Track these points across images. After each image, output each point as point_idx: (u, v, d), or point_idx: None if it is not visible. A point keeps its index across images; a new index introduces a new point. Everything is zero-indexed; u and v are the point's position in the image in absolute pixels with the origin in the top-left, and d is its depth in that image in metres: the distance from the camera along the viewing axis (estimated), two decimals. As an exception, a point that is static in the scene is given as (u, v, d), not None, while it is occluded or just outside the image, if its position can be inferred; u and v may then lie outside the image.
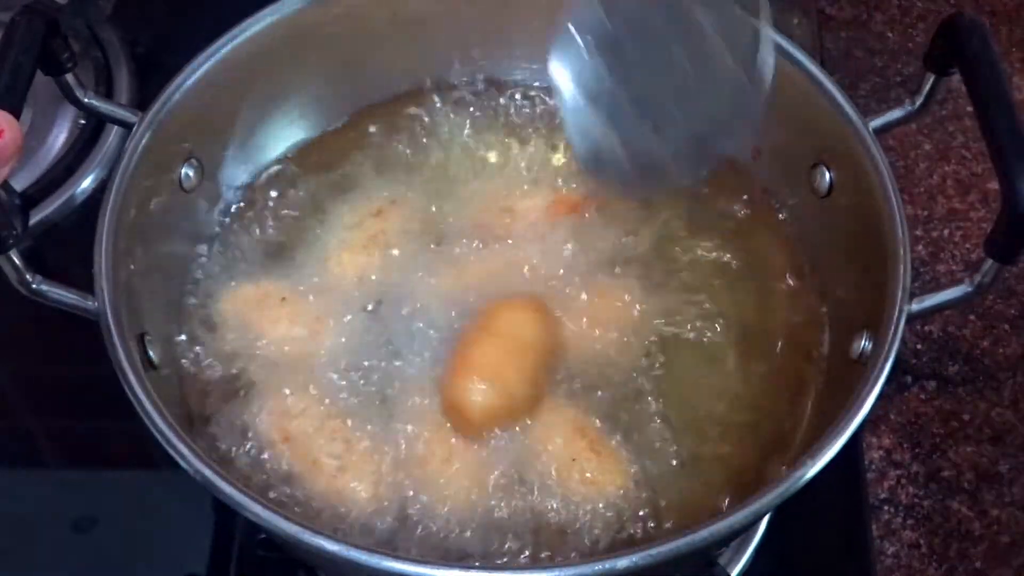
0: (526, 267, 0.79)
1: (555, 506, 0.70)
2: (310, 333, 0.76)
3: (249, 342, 0.76)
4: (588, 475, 0.70)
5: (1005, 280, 0.91)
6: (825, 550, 0.82)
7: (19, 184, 0.91)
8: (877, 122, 0.75)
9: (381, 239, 0.80)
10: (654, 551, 0.59)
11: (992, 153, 0.65)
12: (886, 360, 0.65)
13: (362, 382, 0.75)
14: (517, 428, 0.72)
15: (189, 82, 0.77)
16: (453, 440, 0.72)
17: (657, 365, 0.75)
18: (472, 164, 0.85)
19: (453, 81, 0.88)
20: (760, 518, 0.74)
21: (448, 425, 0.72)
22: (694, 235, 0.81)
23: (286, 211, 0.83)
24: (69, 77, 0.73)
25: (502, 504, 0.70)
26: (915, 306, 0.68)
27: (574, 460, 0.71)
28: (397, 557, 0.60)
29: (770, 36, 0.69)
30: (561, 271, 0.79)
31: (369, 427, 0.73)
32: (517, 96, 0.88)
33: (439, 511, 0.70)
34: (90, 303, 0.68)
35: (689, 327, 0.77)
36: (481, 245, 0.80)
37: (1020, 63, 1.05)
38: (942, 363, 0.88)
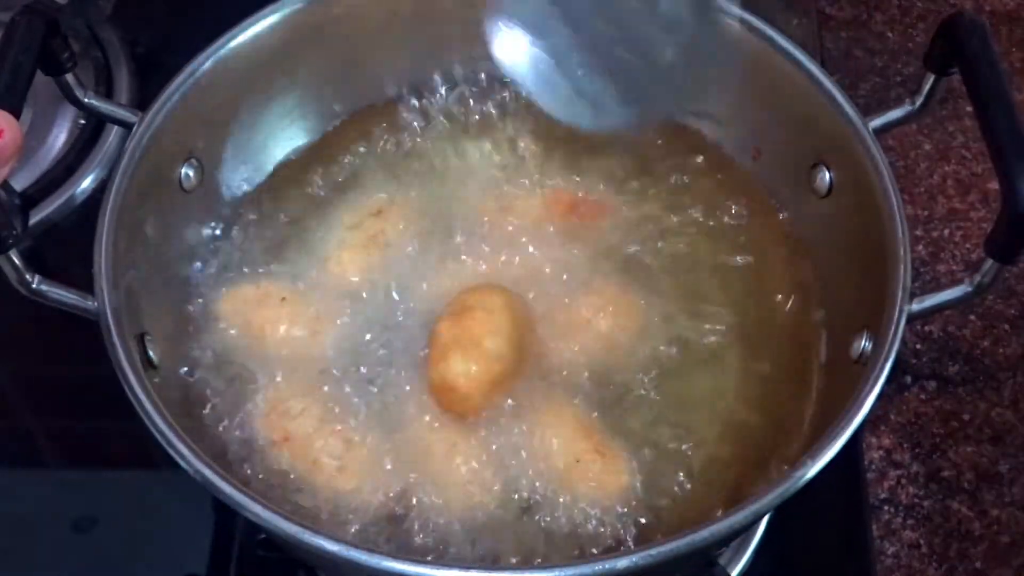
0: (527, 267, 0.79)
1: (557, 506, 0.70)
2: (310, 333, 0.76)
3: (249, 342, 0.76)
4: (591, 476, 0.70)
5: (1005, 280, 0.91)
6: (825, 550, 0.82)
7: (19, 184, 0.91)
8: (877, 122, 0.75)
9: (381, 239, 0.80)
10: (654, 551, 0.59)
11: (992, 153, 0.65)
12: (886, 360, 0.65)
13: (362, 382, 0.75)
14: (520, 428, 0.72)
15: (189, 82, 0.77)
16: (453, 439, 0.72)
17: (658, 365, 0.75)
18: (472, 164, 0.85)
19: (453, 81, 0.88)
20: (760, 518, 0.74)
21: (448, 422, 0.72)
22: (695, 236, 0.82)
23: (286, 211, 0.83)
24: (69, 77, 0.73)
25: (503, 503, 0.70)
26: (915, 306, 0.68)
27: (578, 461, 0.71)
28: (397, 557, 0.60)
29: None
30: (561, 271, 0.79)
31: (369, 427, 0.73)
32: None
33: (440, 511, 0.70)
34: (90, 303, 0.68)
35: (689, 328, 0.77)
36: (481, 245, 0.80)
37: (1020, 63, 1.05)
38: (942, 363, 0.88)
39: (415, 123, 0.87)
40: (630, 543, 0.69)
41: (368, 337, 0.76)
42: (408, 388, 0.74)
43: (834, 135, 0.76)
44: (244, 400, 0.74)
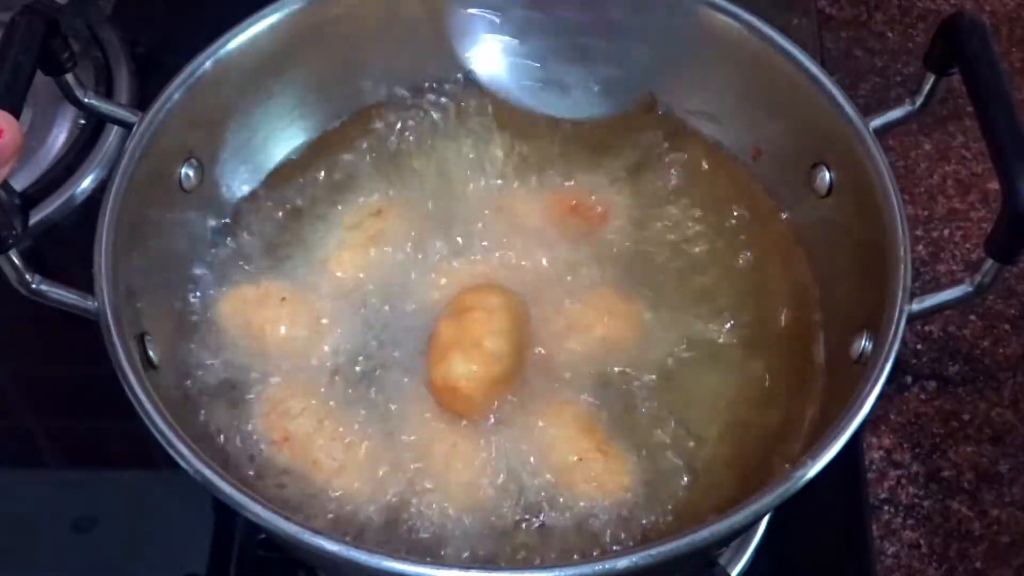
0: (527, 267, 0.79)
1: (559, 506, 0.70)
2: (310, 333, 0.76)
3: (249, 342, 0.76)
4: (593, 475, 0.70)
5: (1005, 280, 0.91)
6: (825, 550, 0.82)
7: (19, 184, 0.91)
8: (877, 122, 0.75)
9: (381, 239, 0.80)
10: (654, 551, 0.59)
11: (992, 153, 0.65)
12: (886, 360, 0.65)
13: (362, 382, 0.75)
14: (521, 428, 0.72)
15: (189, 82, 0.77)
16: (454, 439, 0.72)
17: (658, 365, 0.75)
18: (472, 164, 0.85)
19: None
20: (760, 518, 0.74)
21: (448, 422, 0.72)
22: (695, 236, 0.82)
23: (286, 211, 0.83)
24: (69, 77, 0.73)
25: (504, 503, 0.70)
26: (915, 306, 0.68)
27: (581, 460, 0.71)
28: (397, 557, 0.60)
29: None
30: (562, 271, 0.79)
31: (369, 427, 0.73)
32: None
33: (440, 510, 0.70)
34: (90, 303, 0.68)
35: (690, 328, 0.77)
36: (481, 245, 0.80)
37: (1020, 63, 1.05)
38: (942, 363, 0.88)
39: (415, 123, 0.87)
40: (630, 543, 0.69)
41: (368, 337, 0.76)
42: (408, 388, 0.74)
43: (834, 135, 0.76)
44: (244, 400, 0.74)
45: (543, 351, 0.75)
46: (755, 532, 0.79)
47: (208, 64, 0.78)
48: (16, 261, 0.66)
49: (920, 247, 0.93)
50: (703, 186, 0.84)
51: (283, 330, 0.76)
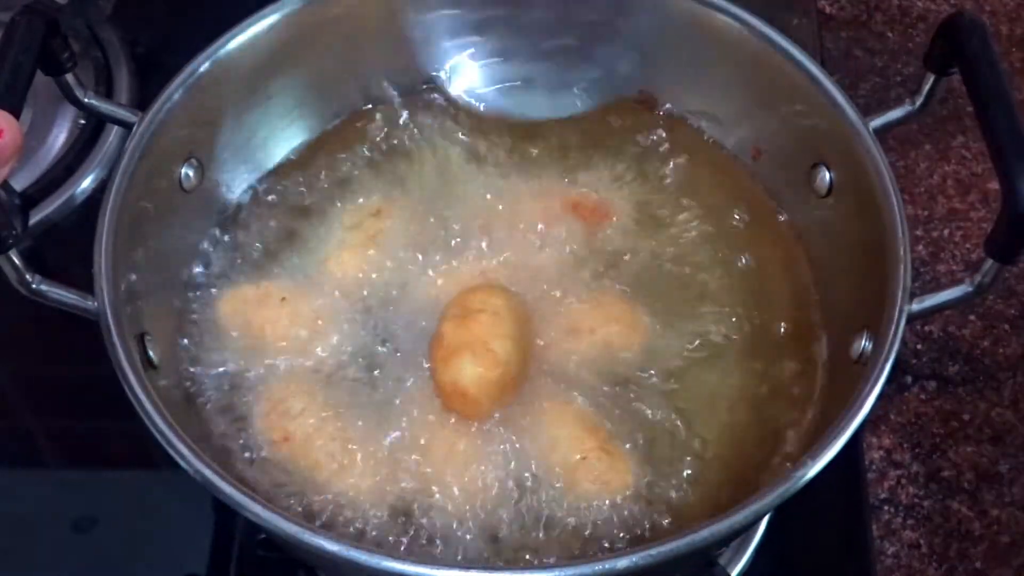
0: (527, 267, 0.79)
1: (560, 505, 0.70)
2: (310, 333, 0.76)
3: (249, 342, 0.76)
4: (597, 474, 0.70)
5: (1005, 280, 0.91)
6: (825, 550, 0.82)
7: (19, 184, 0.91)
8: (877, 122, 0.75)
9: (380, 239, 0.80)
10: (654, 551, 0.59)
11: (992, 153, 0.65)
12: (886, 360, 0.65)
13: (362, 382, 0.75)
14: (523, 428, 0.72)
15: (189, 82, 0.77)
16: (455, 438, 0.72)
17: (658, 365, 0.76)
18: (472, 163, 0.85)
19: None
20: (760, 518, 0.74)
21: (448, 422, 0.72)
22: (695, 235, 0.81)
23: (286, 211, 0.83)
24: (69, 77, 0.73)
25: (505, 502, 0.70)
26: (915, 306, 0.68)
27: (584, 459, 0.71)
28: (397, 557, 0.60)
29: None
30: (562, 271, 0.79)
31: (369, 427, 0.73)
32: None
33: (440, 510, 0.70)
34: (90, 303, 0.68)
35: (690, 328, 0.77)
36: (481, 245, 0.80)
37: (1020, 63, 1.05)
38: (942, 363, 0.88)
39: (415, 123, 0.87)
40: (632, 542, 0.69)
41: (368, 337, 0.76)
42: (409, 388, 0.74)
43: (834, 135, 0.76)
44: (244, 400, 0.74)
45: (544, 352, 0.75)
46: (755, 532, 0.79)
47: (208, 64, 0.78)
48: (16, 261, 0.66)
49: (920, 247, 0.93)
50: (703, 186, 0.84)
51: (283, 330, 0.76)
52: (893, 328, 0.66)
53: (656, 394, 0.74)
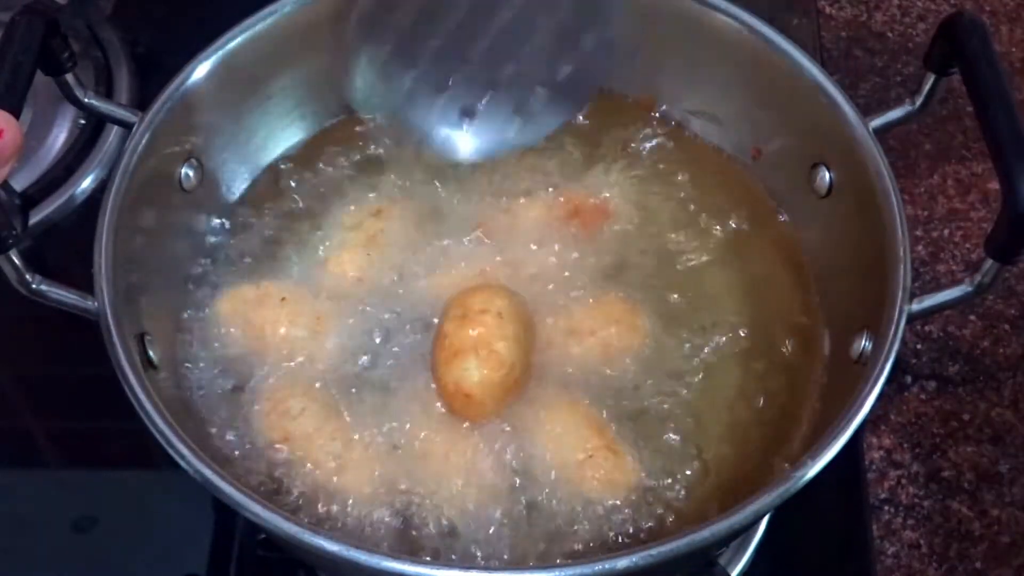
0: (528, 268, 0.79)
1: (561, 504, 0.70)
2: (310, 333, 0.76)
3: (249, 342, 0.76)
4: (603, 473, 0.70)
5: (1005, 280, 0.91)
6: (825, 550, 0.82)
7: (19, 184, 0.91)
8: (877, 122, 0.75)
9: (380, 239, 0.80)
10: (654, 551, 0.59)
11: (992, 153, 0.65)
12: (886, 360, 0.65)
13: (362, 382, 0.75)
14: (522, 426, 0.72)
15: (189, 82, 0.77)
16: (455, 438, 0.72)
17: (659, 366, 0.75)
18: (472, 164, 0.85)
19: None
20: (760, 518, 0.74)
21: (449, 422, 0.72)
22: (695, 236, 0.82)
23: (286, 211, 0.83)
24: (69, 77, 0.73)
25: (505, 502, 0.70)
26: (915, 306, 0.68)
27: (591, 457, 0.71)
28: (397, 557, 0.60)
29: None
30: (563, 272, 0.79)
31: (370, 427, 0.73)
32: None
33: (441, 509, 0.70)
34: (90, 303, 0.68)
35: (690, 328, 0.77)
36: (482, 245, 0.80)
37: (1020, 63, 1.05)
38: (942, 363, 0.88)
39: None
40: (632, 543, 0.69)
41: (368, 337, 0.76)
42: (409, 388, 0.74)
43: (834, 135, 0.76)
44: (244, 400, 0.74)
45: (546, 352, 0.75)
46: (755, 532, 0.79)
47: (208, 64, 0.78)
48: (16, 261, 0.66)
49: (920, 247, 0.93)
50: (703, 186, 0.84)
51: (283, 330, 0.76)
52: (893, 328, 0.66)
53: (656, 394, 0.74)
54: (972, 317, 0.90)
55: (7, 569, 0.81)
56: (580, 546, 0.69)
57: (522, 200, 0.82)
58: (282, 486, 0.71)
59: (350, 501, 0.70)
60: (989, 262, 0.66)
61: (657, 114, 0.86)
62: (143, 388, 0.65)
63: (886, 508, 0.82)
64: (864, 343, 0.70)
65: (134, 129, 0.75)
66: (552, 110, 0.83)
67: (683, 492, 0.71)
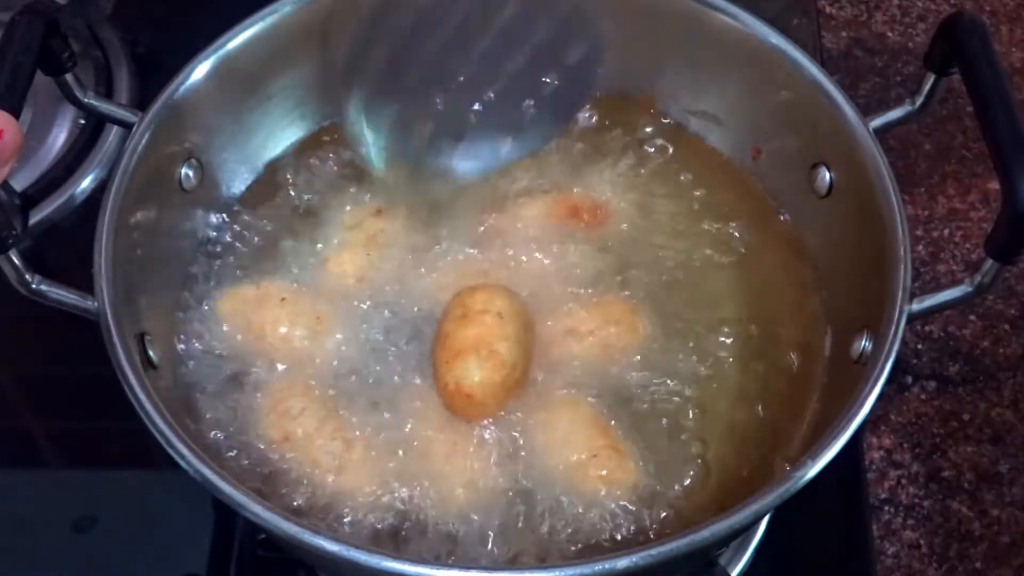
0: (528, 268, 0.79)
1: (562, 504, 0.70)
2: (310, 333, 0.76)
3: (249, 342, 0.76)
4: (606, 473, 0.70)
5: (1005, 280, 0.91)
6: (825, 550, 0.82)
7: (19, 184, 0.91)
8: (877, 122, 0.75)
9: (381, 239, 0.80)
10: (654, 551, 0.59)
11: (992, 153, 0.65)
12: (886, 360, 0.65)
13: (362, 382, 0.75)
14: (523, 429, 0.72)
15: (189, 82, 0.77)
16: (456, 438, 0.72)
17: (660, 367, 0.75)
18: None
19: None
20: (760, 518, 0.74)
21: (449, 422, 0.72)
22: (695, 236, 0.82)
23: (286, 211, 0.83)
24: (69, 77, 0.73)
25: (506, 501, 0.70)
26: (915, 306, 0.68)
27: (596, 456, 0.71)
28: (397, 557, 0.60)
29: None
30: (564, 272, 0.79)
31: (369, 426, 0.73)
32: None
33: (441, 508, 0.70)
34: (90, 303, 0.68)
35: (690, 328, 0.77)
36: (481, 245, 0.80)
37: (1020, 63, 1.05)
38: (942, 363, 0.88)
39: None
40: (632, 543, 0.69)
41: (368, 337, 0.76)
42: (409, 387, 0.74)
43: (834, 135, 0.76)
44: (244, 400, 0.74)
45: (546, 353, 0.75)
46: (755, 532, 0.79)
47: (208, 64, 0.78)
48: (16, 261, 0.66)
49: (920, 247, 0.93)
50: (703, 186, 0.84)
51: (283, 330, 0.76)
52: (893, 328, 0.66)
53: (657, 395, 0.74)
54: (972, 317, 0.90)
55: (7, 569, 0.81)
56: (580, 546, 0.69)
57: (522, 200, 0.82)
58: (282, 486, 0.71)
59: (350, 501, 0.70)
60: (989, 262, 0.66)
61: (659, 113, 0.86)
62: (143, 388, 0.65)
63: (886, 508, 0.82)
64: (864, 343, 0.70)
65: (134, 129, 0.75)
66: (543, 122, 0.82)
67: (683, 492, 0.71)
